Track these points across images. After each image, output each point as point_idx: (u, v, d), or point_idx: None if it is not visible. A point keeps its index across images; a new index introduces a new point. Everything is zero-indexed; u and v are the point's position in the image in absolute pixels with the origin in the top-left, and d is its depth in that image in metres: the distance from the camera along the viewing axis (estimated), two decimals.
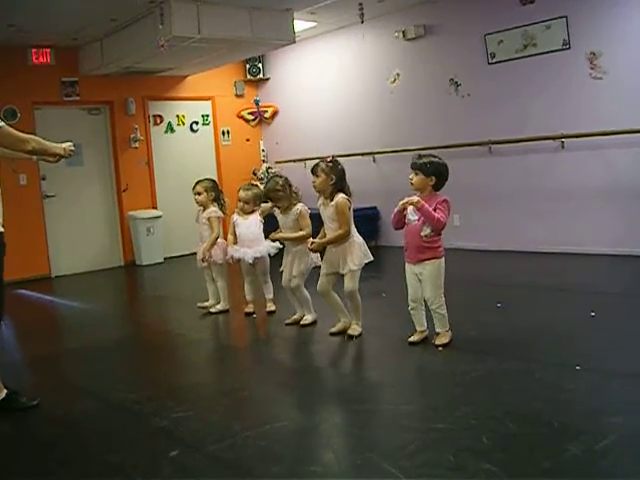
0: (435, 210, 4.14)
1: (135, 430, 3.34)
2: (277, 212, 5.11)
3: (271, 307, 5.63)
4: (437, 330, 4.29)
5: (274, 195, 5.00)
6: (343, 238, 4.56)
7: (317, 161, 4.71)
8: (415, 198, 4.11)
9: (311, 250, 4.77)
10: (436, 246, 4.22)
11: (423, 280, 4.24)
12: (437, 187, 4.23)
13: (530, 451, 2.71)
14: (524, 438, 2.84)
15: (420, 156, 4.28)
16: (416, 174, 4.22)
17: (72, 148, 3.86)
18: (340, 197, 4.55)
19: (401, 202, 4.17)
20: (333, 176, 4.57)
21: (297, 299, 5.13)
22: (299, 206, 5.00)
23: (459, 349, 4.17)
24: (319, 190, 4.65)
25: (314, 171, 4.64)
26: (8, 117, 8.06)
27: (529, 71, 7.38)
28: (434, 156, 4.30)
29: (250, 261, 5.44)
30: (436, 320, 4.28)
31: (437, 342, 4.24)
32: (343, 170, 4.65)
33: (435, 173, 4.19)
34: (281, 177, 5.14)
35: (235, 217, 5.60)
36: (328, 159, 4.64)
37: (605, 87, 6.83)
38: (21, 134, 3.59)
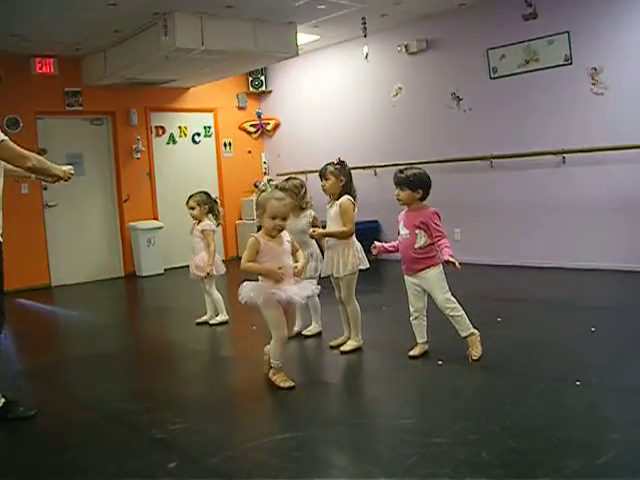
0: (427, 226, 4.14)
1: (133, 441, 3.33)
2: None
3: None
4: (462, 334, 4.20)
5: (289, 192, 4.72)
6: (346, 235, 4.52)
7: (324, 164, 4.66)
8: (451, 260, 4.00)
9: (311, 237, 4.67)
10: (431, 255, 4.21)
11: (428, 289, 4.24)
12: (423, 198, 4.24)
13: (529, 467, 2.70)
14: (523, 453, 2.82)
15: (401, 171, 4.26)
16: (402, 189, 4.21)
17: (72, 172, 3.86)
18: (345, 197, 4.55)
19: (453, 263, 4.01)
20: (342, 177, 4.57)
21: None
22: (311, 211, 4.95)
23: (459, 363, 4.15)
24: (329, 193, 4.64)
25: (323, 174, 4.61)
26: (10, 126, 8.08)
27: (531, 86, 7.41)
28: (415, 168, 4.29)
29: (303, 301, 4.12)
30: (456, 324, 4.21)
31: (473, 357, 4.15)
32: (350, 171, 4.65)
33: (421, 185, 4.19)
34: (299, 180, 5.06)
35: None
36: (335, 161, 4.63)
37: (606, 102, 6.85)
38: (23, 150, 3.56)
